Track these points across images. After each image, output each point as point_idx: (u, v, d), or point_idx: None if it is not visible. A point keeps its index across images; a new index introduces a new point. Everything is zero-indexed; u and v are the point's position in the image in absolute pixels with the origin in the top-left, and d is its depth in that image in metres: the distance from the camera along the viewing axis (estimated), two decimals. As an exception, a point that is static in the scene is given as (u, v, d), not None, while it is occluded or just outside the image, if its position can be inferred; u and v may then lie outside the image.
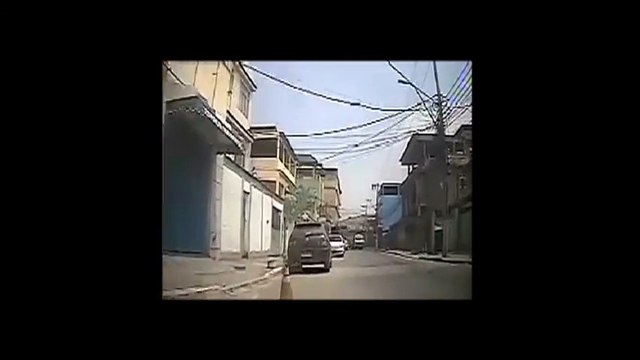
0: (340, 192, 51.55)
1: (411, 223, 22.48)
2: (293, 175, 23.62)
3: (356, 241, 34.00)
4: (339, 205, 49.06)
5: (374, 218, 36.60)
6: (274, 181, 16.82)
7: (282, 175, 19.16)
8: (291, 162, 22.96)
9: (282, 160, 19.30)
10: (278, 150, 17.94)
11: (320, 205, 31.68)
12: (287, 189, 20.10)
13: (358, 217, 45.07)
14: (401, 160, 27.32)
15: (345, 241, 30.31)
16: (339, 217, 50.48)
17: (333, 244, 12.10)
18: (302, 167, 29.68)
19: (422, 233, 17.47)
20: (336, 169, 42.57)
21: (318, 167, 32.11)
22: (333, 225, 37.25)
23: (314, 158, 33.11)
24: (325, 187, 38.17)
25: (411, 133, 15.16)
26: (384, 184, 33.99)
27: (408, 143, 20.64)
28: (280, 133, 17.87)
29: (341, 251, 16.83)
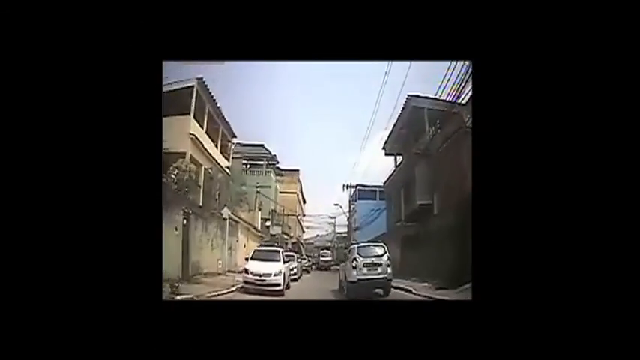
0: (304, 201, 51.82)
1: (415, 234, 18.28)
2: (227, 158, 21.35)
3: (322, 258, 32.76)
4: (303, 215, 49.35)
5: (345, 232, 36.45)
6: (183, 154, 13.88)
7: (198, 146, 16.16)
8: (223, 136, 20.44)
9: (201, 125, 16.56)
10: (193, 106, 15.08)
11: (273, 211, 30.10)
12: (210, 171, 17.37)
13: (328, 233, 46.42)
14: (384, 148, 24.64)
15: (308, 260, 30.06)
16: (303, 231, 49.57)
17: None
18: (249, 162, 29.38)
19: (444, 248, 12.77)
20: (297, 170, 43.08)
21: (272, 162, 32.11)
22: (294, 240, 38.17)
23: (267, 150, 32.13)
24: (283, 192, 38.10)
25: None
26: (358, 186, 34.60)
27: (400, 115, 19.41)
28: (198, 79, 15.33)
29: (295, 274, 17.47)
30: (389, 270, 11.01)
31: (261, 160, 30.60)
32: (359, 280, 10.78)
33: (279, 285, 11.40)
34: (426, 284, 12.33)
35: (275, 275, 11.50)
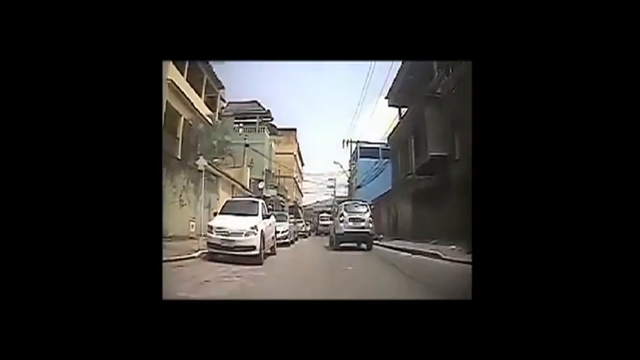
0: (302, 163, 51.62)
1: (429, 187, 17.28)
2: (213, 110, 21.22)
3: (321, 222, 32.16)
4: (301, 178, 49.16)
5: (346, 195, 36.20)
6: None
7: (177, 93, 16.37)
8: (208, 86, 20.24)
9: (182, 72, 16.83)
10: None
11: (267, 170, 28.68)
12: (190, 122, 17.23)
13: (328, 199, 46.68)
14: (387, 97, 23.28)
15: (306, 224, 29.25)
16: (302, 194, 48.92)
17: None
18: (242, 119, 28.17)
19: (467, 203, 11.00)
20: (294, 130, 43.33)
21: (266, 118, 31.05)
22: (291, 204, 38.44)
23: (261, 106, 31.26)
24: (280, 153, 37.95)
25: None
26: (359, 143, 34.51)
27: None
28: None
29: (286, 237, 16.71)
30: (371, 225, 14.63)
31: (254, 118, 30.26)
32: (345, 232, 14.35)
33: (253, 248, 9.04)
34: (453, 247, 11.50)
35: (246, 235, 9.08)
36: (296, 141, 44.05)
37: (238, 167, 23.61)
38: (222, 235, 9.07)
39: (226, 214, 10.16)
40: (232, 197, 17.47)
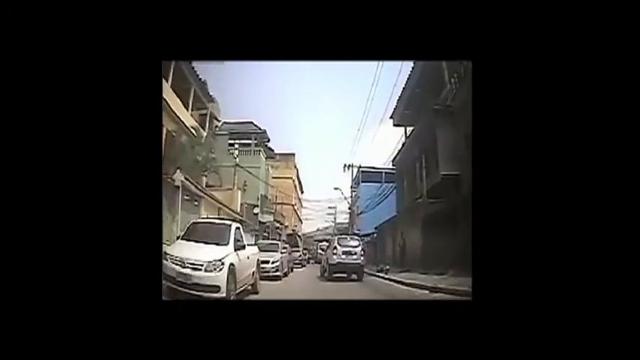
0: (302, 189, 51.07)
1: (441, 211, 15.96)
2: (203, 127, 20.24)
3: (319, 250, 32.07)
4: (300, 205, 49.07)
5: (347, 222, 36.21)
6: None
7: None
8: (195, 96, 19.10)
9: (166, 79, 15.88)
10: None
11: (264, 196, 28.53)
12: (173, 134, 16.20)
13: (329, 227, 47.31)
14: (392, 117, 23.52)
15: (303, 253, 29.10)
16: (301, 221, 48.68)
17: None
18: (237, 139, 28.47)
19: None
20: (292, 154, 43.18)
21: (262, 139, 31.14)
22: (289, 232, 38.79)
23: (257, 127, 31.24)
24: (277, 177, 38.84)
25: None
26: (360, 167, 34.51)
27: (410, 73, 19.01)
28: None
29: (277, 270, 15.60)
30: (362, 258, 16.62)
31: (250, 138, 29.91)
32: (338, 262, 16.22)
33: (216, 289, 7.08)
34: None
35: (207, 270, 7.13)
36: (295, 166, 44.15)
37: (228, 189, 22.64)
38: (178, 266, 7.19)
39: (188, 239, 8.25)
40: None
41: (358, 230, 30.71)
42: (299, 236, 42.81)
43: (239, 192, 23.96)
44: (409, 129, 22.06)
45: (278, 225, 33.78)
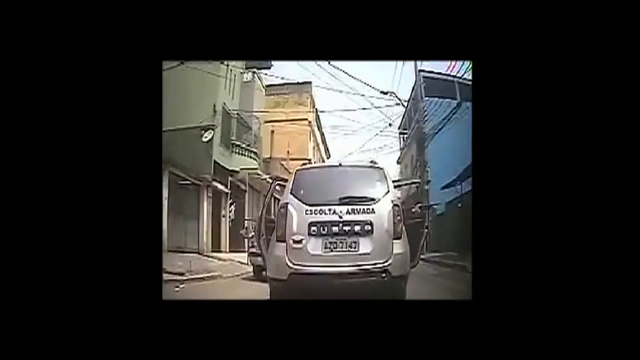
0: (326, 145, 38.14)
1: None
2: None
3: None
4: (323, 161, 33.76)
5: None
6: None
7: None
8: None
9: None
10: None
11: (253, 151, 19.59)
12: None
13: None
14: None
15: None
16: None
17: None
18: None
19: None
20: (308, 83, 28.33)
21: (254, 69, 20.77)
22: None
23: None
24: (280, 120, 25.80)
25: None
26: (422, 72, 21.39)
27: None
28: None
29: None
30: None
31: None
32: None
33: None
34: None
35: None
36: (311, 97, 29.53)
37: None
38: None
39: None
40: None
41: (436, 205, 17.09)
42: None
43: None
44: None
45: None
